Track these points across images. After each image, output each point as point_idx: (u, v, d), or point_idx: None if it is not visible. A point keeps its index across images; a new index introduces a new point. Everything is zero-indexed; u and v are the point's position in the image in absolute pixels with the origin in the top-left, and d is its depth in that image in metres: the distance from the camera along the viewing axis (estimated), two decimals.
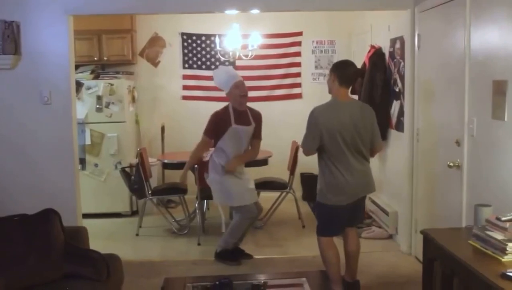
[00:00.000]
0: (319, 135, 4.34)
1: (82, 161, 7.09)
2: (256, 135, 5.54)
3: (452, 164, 4.40)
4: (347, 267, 4.64)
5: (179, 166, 6.12)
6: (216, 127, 5.38)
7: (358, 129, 4.30)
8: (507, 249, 2.76)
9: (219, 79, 5.55)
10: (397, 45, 5.89)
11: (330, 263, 4.44)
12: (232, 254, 5.53)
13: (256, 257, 5.61)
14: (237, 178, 5.45)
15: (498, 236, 2.87)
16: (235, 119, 5.34)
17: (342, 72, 4.41)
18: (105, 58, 7.71)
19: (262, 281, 3.69)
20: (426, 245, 3.44)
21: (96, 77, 7.46)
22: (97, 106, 7.28)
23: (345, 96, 4.45)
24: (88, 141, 7.28)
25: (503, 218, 2.92)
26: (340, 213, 4.41)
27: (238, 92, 5.34)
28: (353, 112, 4.36)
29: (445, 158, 4.56)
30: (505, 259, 2.75)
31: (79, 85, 6.98)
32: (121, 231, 6.79)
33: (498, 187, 3.70)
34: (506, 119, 3.57)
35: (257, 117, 5.54)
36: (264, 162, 6.79)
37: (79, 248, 3.96)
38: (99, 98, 7.27)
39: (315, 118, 4.39)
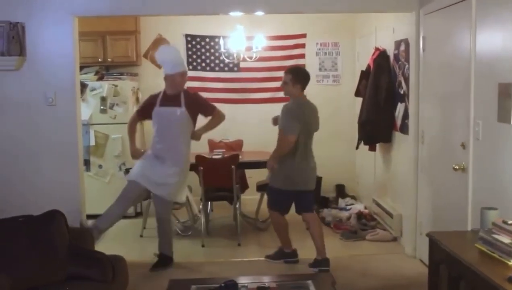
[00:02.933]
0: (299, 126, 5.11)
1: (87, 163, 7.08)
2: (207, 111, 5.51)
3: (457, 167, 4.39)
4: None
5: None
6: (145, 107, 5.49)
7: (316, 126, 5.43)
8: None
9: (168, 58, 5.36)
10: (402, 48, 5.88)
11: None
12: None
13: (261, 258, 5.60)
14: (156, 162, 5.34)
15: (505, 239, 2.86)
16: (161, 101, 5.32)
17: (303, 75, 5.32)
18: (109, 60, 7.72)
19: (267, 284, 3.68)
20: (432, 248, 3.43)
21: (101, 79, 7.48)
22: (102, 107, 7.29)
23: (304, 96, 5.35)
24: (92, 142, 7.29)
25: (510, 222, 2.91)
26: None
27: (181, 80, 5.33)
28: (314, 109, 5.40)
29: (450, 161, 4.55)
30: None
31: (83, 86, 6.98)
32: (125, 232, 6.78)
33: (504, 190, 3.69)
34: None
35: (193, 97, 5.47)
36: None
37: (84, 249, 3.97)
38: (103, 99, 7.28)
39: (296, 112, 5.17)
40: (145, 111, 5.46)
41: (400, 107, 6.02)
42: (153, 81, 8.15)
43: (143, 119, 5.74)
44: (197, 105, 5.42)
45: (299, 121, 5.13)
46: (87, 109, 7.13)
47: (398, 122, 6.07)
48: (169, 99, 5.31)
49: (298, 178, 5.27)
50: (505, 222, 2.93)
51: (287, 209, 5.43)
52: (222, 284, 3.59)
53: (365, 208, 7.32)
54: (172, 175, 5.33)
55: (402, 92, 5.92)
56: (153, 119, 5.36)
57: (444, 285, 3.16)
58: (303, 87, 5.31)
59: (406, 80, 5.73)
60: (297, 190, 5.29)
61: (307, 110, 5.29)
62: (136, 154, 5.55)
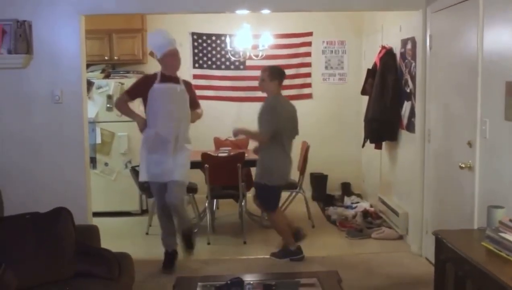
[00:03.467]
0: (277, 124, 5.27)
1: (93, 160, 7.10)
2: (194, 105, 5.44)
3: (464, 165, 4.38)
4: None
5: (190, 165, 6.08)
6: (138, 87, 5.28)
7: (295, 124, 5.58)
8: None
9: (153, 42, 5.30)
10: (409, 46, 5.87)
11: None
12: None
13: (266, 256, 5.61)
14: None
15: None
16: (161, 80, 5.16)
17: (279, 72, 5.48)
18: (115, 58, 7.74)
19: (273, 281, 3.69)
20: (438, 246, 3.43)
21: (107, 77, 7.49)
22: (108, 105, 7.30)
23: (281, 94, 5.53)
24: (98, 140, 7.31)
25: None
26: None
27: (173, 60, 5.23)
28: (293, 108, 5.58)
29: (456, 159, 4.54)
30: None
31: (89, 84, 6.99)
32: (131, 230, 6.81)
33: (511, 189, 3.68)
34: None
35: (188, 84, 5.43)
36: None
37: (91, 247, 3.97)
38: (109, 97, 7.29)
39: (275, 109, 5.30)
40: (138, 91, 5.24)
41: (406, 106, 6.01)
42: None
43: (132, 100, 5.35)
44: (191, 92, 5.40)
45: (278, 118, 5.29)
46: (93, 107, 7.15)
47: (405, 120, 6.05)
48: (168, 78, 5.18)
49: (287, 170, 5.58)
50: None
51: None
52: (228, 282, 3.59)
53: (371, 206, 7.31)
54: (184, 155, 5.24)
55: (408, 90, 5.91)
56: (152, 98, 5.11)
57: (450, 283, 3.15)
58: (280, 84, 5.45)
59: (413, 78, 5.72)
60: (284, 183, 5.57)
61: (286, 106, 5.49)
62: (142, 122, 5.22)
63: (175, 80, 5.23)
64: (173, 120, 5.15)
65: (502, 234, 2.92)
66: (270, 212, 5.61)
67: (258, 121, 5.37)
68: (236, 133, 5.63)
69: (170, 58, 5.20)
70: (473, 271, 2.86)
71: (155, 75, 5.21)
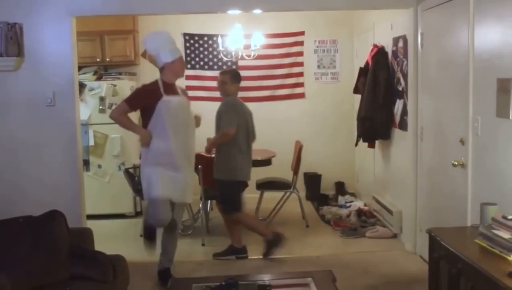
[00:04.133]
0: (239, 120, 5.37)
1: (86, 162, 7.07)
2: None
3: (456, 163, 4.39)
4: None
5: None
6: (141, 98, 4.75)
7: (252, 126, 5.69)
8: None
9: (162, 44, 4.76)
10: (400, 44, 5.88)
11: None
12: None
13: (260, 257, 5.61)
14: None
15: (505, 235, 2.86)
16: (166, 91, 4.69)
17: (238, 75, 5.70)
18: (107, 59, 7.72)
19: (268, 282, 3.69)
20: (432, 244, 3.43)
21: (99, 78, 7.47)
22: (100, 107, 7.28)
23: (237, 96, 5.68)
24: (91, 142, 7.29)
25: (510, 217, 2.92)
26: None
27: (182, 66, 4.91)
28: (250, 111, 5.70)
29: (449, 156, 4.56)
30: None
31: (82, 86, 6.97)
32: (125, 232, 6.80)
33: (504, 186, 3.69)
34: (510, 118, 3.55)
35: (185, 91, 5.15)
36: (267, 162, 6.78)
37: (85, 250, 3.96)
38: (102, 99, 7.28)
39: (236, 107, 5.48)
40: (140, 102, 4.74)
41: (398, 104, 6.02)
42: (151, 80, 8.16)
43: (133, 111, 4.81)
44: (189, 99, 5.18)
45: (238, 115, 5.46)
46: (86, 109, 7.13)
47: (397, 118, 6.07)
48: (172, 89, 4.77)
49: (248, 169, 5.66)
50: (505, 217, 2.93)
51: None
52: (223, 283, 3.59)
53: (365, 205, 7.32)
54: (191, 174, 4.97)
55: (400, 88, 5.92)
56: (161, 111, 4.62)
57: (445, 281, 3.16)
58: (238, 87, 5.71)
59: (405, 76, 5.74)
60: (247, 180, 5.74)
61: (244, 108, 5.64)
62: (148, 136, 4.68)
63: (175, 87, 4.84)
64: (184, 134, 4.81)
65: (495, 231, 2.93)
66: (235, 213, 5.60)
67: (218, 120, 5.50)
68: (208, 149, 5.69)
69: (180, 64, 4.85)
70: (467, 268, 2.87)
71: (156, 84, 4.73)
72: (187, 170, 4.85)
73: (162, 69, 4.78)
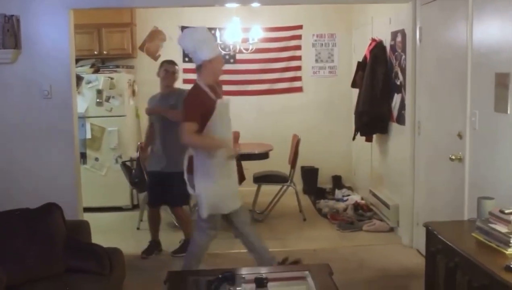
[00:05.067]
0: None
1: (83, 155, 7.08)
2: None
3: (454, 157, 4.39)
4: None
5: None
6: (200, 109, 4.27)
7: None
8: (511, 241, 2.76)
9: (202, 41, 4.37)
10: (398, 38, 5.87)
11: None
12: None
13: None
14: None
15: (502, 229, 2.87)
16: (212, 92, 4.39)
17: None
18: (105, 52, 7.70)
19: (265, 275, 3.68)
20: (428, 238, 3.44)
21: (96, 71, 7.46)
22: (97, 100, 7.27)
23: None
24: (88, 135, 7.28)
25: (507, 211, 2.92)
26: None
27: (221, 65, 4.56)
28: None
29: (447, 151, 4.56)
30: (509, 251, 2.75)
31: (79, 79, 6.95)
32: (122, 225, 6.79)
33: (501, 180, 3.70)
34: (508, 112, 3.57)
35: (221, 87, 4.71)
36: (265, 155, 6.78)
37: (81, 242, 3.96)
38: (99, 92, 7.27)
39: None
40: (199, 111, 4.26)
41: (396, 98, 6.02)
42: (149, 74, 8.12)
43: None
44: None
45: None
46: (83, 102, 7.11)
47: (395, 113, 6.06)
48: (214, 89, 4.43)
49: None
50: (502, 211, 2.94)
51: None
52: (220, 276, 3.58)
53: (362, 199, 7.33)
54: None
55: (398, 83, 5.91)
56: (215, 118, 4.28)
57: (441, 275, 3.17)
58: None
59: (403, 70, 5.73)
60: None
61: None
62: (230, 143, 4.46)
63: (215, 87, 4.48)
64: (229, 135, 4.55)
65: (492, 225, 2.94)
66: (179, 207, 5.66)
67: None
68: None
69: (220, 64, 4.50)
70: (464, 262, 2.88)
71: (200, 89, 4.34)
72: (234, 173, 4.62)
73: (199, 68, 4.38)
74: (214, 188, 4.36)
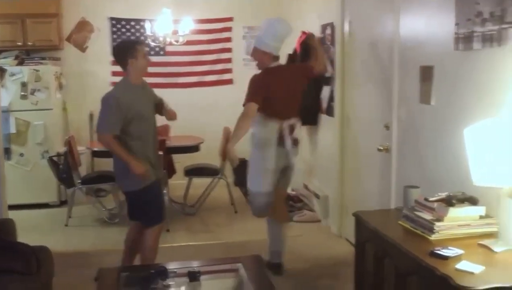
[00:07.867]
0: None
1: (7, 151, 6.82)
2: None
3: (381, 148, 4.50)
4: None
5: (109, 154, 5.62)
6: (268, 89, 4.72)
7: None
8: (435, 228, 2.85)
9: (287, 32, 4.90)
10: (328, 31, 5.95)
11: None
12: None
13: (190, 243, 5.59)
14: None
15: (427, 216, 2.96)
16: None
17: None
18: (29, 43, 7.42)
19: (197, 268, 3.67)
20: (357, 226, 3.50)
21: (20, 63, 7.18)
22: (22, 93, 7.02)
23: None
24: (12, 130, 7.02)
25: (431, 199, 3.01)
26: None
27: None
28: None
29: (375, 142, 4.67)
30: (433, 237, 2.84)
31: (2, 71, 6.72)
32: (49, 222, 6.60)
33: (426, 169, 3.82)
34: (432, 103, 3.69)
35: None
36: (195, 148, 6.75)
37: (7, 241, 3.83)
38: (23, 84, 7.02)
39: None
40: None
41: (325, 90, 6.10)
42: (76, 66, 7.95)
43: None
44: None
45: None
46: (6, 95, 6.86)
47: (324, 104, 6.15)
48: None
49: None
50: (426, 200, 3.03)
51: None
52: (152, 271, 3.54)
53: (292, 190, 7.40)
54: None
55: (328, 75, 6.00)
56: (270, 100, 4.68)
57: (370, 262, 3.24)
58: None
59: (332, 63, 5.82)
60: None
61: None
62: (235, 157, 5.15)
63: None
64: None
65: (418, 213, 3.03)
66: (154, 226, 4.61)
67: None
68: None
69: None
70: (391, 249, 2.95)
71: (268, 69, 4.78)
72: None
73: (259, 54, 4.88)
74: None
